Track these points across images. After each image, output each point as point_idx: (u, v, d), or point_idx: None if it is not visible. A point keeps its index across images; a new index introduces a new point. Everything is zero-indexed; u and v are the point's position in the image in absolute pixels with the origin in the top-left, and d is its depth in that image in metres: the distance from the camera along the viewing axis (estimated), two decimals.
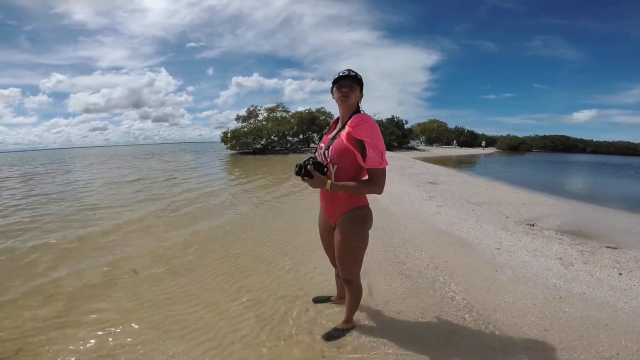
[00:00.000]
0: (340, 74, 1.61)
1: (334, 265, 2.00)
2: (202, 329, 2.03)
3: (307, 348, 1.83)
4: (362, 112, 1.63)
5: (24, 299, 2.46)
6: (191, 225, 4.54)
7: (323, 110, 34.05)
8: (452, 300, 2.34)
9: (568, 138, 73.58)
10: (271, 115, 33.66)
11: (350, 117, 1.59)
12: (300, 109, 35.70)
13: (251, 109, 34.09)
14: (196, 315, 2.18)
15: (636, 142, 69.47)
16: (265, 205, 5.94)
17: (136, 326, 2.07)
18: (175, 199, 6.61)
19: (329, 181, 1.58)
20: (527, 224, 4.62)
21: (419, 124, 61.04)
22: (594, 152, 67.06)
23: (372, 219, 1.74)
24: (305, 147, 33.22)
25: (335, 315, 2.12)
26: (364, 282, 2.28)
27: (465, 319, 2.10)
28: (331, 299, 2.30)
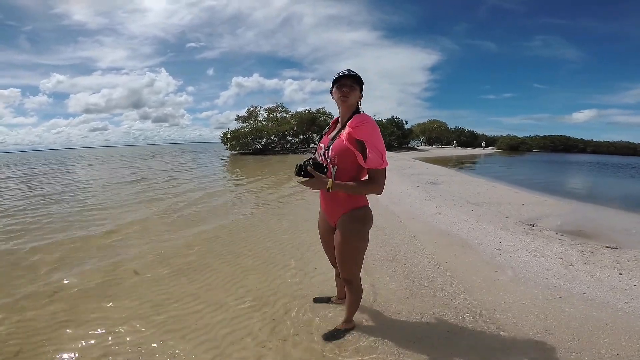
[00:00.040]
0: (340, 73, 1.61)
1: (334, 265, 2.00)
2: (202, 329, 2.03)
3: (307, 348, 1.83)
4: (361, 112, 1.63)
5: (25, 300, 2.46)
6: (193, 226, 4.54)
7: (323, 110, 34.11)
8: (452, 301, 2.34)
9: (568, 138, 73.66)
10: (271, 115, 33.67)
11: (350, 118, 1.59)
12: (300, 109, 35.79)
13: (251, 109, 34.13)
14: (196, 316, 2.18)
15: (636, 142, 69.73)
16: (267, 206, 5.94)
17: (136, 326, 2.07)
18: (177, 200, 6.61)
19: (330, 180, 1.57)
20: (527, 224, 4.62)
21: (419, 124, 61.12)
22: (594, 152, 67.13)
23: (372, 219, 1.74)
24: (305, 148, 33.23)
25: (335, 315, 2.12)
26: (365, 283, 2.28)
27: (465, 319, 2.10)
28: (331, 299, 2.30)
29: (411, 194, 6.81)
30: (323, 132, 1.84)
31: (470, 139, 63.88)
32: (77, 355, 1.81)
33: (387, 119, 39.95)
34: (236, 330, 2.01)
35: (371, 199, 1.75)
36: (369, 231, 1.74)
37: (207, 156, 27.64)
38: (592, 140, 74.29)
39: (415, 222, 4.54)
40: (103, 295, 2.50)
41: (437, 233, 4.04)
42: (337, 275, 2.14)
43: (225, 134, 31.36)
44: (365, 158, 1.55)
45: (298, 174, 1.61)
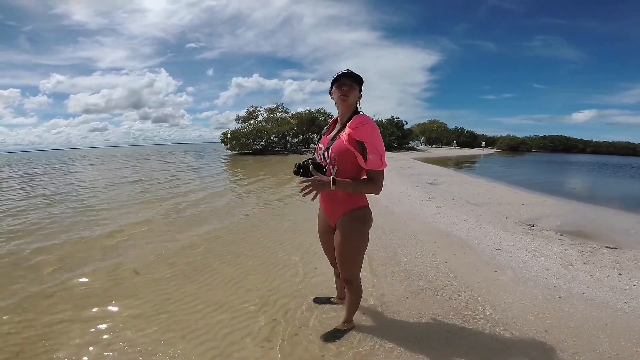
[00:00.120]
0: (340, 73, 1.61)
1: (334, 265, 2.00)
2: (202, 329, 2.03)
3: (306, 348, 1.83)
4: (361, 112, 1.64)
5: (26, 300, 2.46)
6: (194, 227, 4.53)
7: (323, 110, 34.10)
8: (452, 301, 2.34)
9: (568, 138, 73.69)
10: (271, 115, 33.67)
11: (350, 118, 1.59)
12: (300, 109, 35.78)
13: (251, 109, 34.13)
14: (196, 316, 2.19)
15: (636, 142, 69.70)
16: (268, 206, 5.93)
17: (137, 326, 2.07)
18: (179, 200, 6.60)
19: (332, 177, 1.56)
20: (527, 225, 4.62)
21: (418, 125, 61.15)
22: (593, 152, 67.15)
23: (372, 219, 1.74)
24: (305, 148, 33.23)
25: (335, 315, 2.12)
26: (368, 284, 2.28)
27: (465, 319, 2.10)
28: (331, 299, 2.30)
29: (411, 194, 6.81)
30: (322, 132, 1.84)
31: (470, 139, 63.91)
32: (77, 355, 1.82)
33: (387, 119, 39.96)
34: (236, 330, 2.02)
35: (371, 199, 1.76)
36: (369, 231, 1.74)
37: (207, 156, 27.63)
38: (591, 140, 74.45)
39: (415, 223, 4.54)
40: (104, 296, 2.50)
41: (436, 233, 4.04)
42: (336, 276, 2.14)
43: (225, 134, 31.36)
44: (365, 159, 1.56)
45: (297, 173, 1.63)
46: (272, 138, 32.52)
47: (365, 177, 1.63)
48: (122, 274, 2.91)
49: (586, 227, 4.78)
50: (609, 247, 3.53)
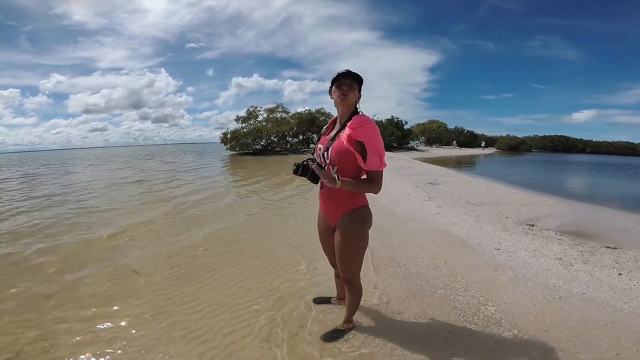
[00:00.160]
0: (340, 72, 1.61)
1: (334, 265, 2.00)
2: (202, 329, 2.04)
3: (306, 349, 1.83)
4: (360, 113, 1.64)
5: (27, 300, 2.46)
6: (195, 227, 4.53)
7: (323, 110, 34.06)
8: (452, 301, 2.34)
9: (567, 138, 73.74)
10: (271, 116, 33.67)
11: (350, 118, 1.59)
12: (300, 109, 35.77)
13: (251, 109, 34.13)
14: (197, 316, 2.19)
15: (636, 142, 69.75)
16: (269, 207, 5.93)
17: (137, 327, 2.08)
18: (180, 201, 6.59)
19: (335, 175, 1.54)
20: (527, 224, 4.62)
21: (418, 125, 61.17)
22: (593, 152, 67.17)
23: (371, 219, 1.74)
24: (305, 148, 33.23)
25: (335, 315, 2.12)
26: (369, 284, 2.27)
27: (465, 319, 2.11)
28: (331, 299, 2.30)
29: (411, 194, 6.81)
30: (321, 132, 1.84)
31: (469, 139, 63.92)
32: (77, 355, 1.82)
33: (387, 119, 39.96)
34: (236, 330, 2.02)
35: (371, 199, 1.76)
36: (369, 231, 1.74)
37: (208, 157, 27.65)
38: (591, 140, 74.49)
39: (414, 223, 4.54)
40: (104, 296, 2.51)
41: (436, 233, 4.04)
42: (336, 276, 2.14)
43: (225, 134, 31.37)
44: (365, 159, 1.56)
45: (296, 172, 1.65)
46: (272, 138, 32.54)
47: (364, 177, 1.64)
48: (123, 275, 2.91)
49: (586, 227, 4.78)
50: (609, 247, 3.53)
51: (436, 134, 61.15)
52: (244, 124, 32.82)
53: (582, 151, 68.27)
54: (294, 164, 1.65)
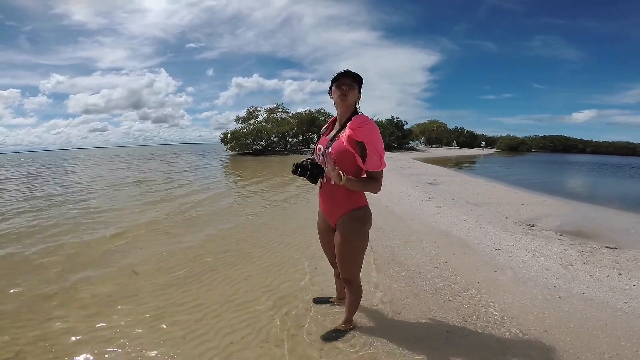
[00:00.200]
0: (340, 72, 1.61)
1: (334, 265, 2.00)
2: (202, 329, 2.04)
3: (306, 349, 1.83)
4: (360, 113, 1.64)
5: (27, 301, 2.46)
6: (196, 228, 4.53)
7: (323, 111, 34.07)
8: (452, 301, 2.34)
9: (567, 138, 73.75)
10: (271, 116, 33.69)
11: (349, 118, 1.60)
12: (300, 109, 35.81)
13: (251, 109, 34.15)
14: (197, 316, 2.19)
15: (635, 142, 69.75)
16: (270, 207, 5.92)
17: (137, 327, 2.08)
18: (182, 201, 6.57)
19: (340, 172, 1.52)
20: (527, 225, 4.62)
21: (418, 125, 61.15)
22: (593, 152, 67.18)
23: (371, 219, 1.74)
24: (305, 148, 33.24)
25: (335, 316, 2.12)
26: (370, 284, 2.26)
27: (464, 319, 2.11)
28: (331, 299, 2.30)
29: (411, 194, 6.81)
30: (320, 132, 1.84)
31: (469, 140, 63.92)
32: (77, 355, 1.82)
33: (387, 120, 39.99)
34: (236, 330, 2.02)
35: (371, 199, 1.76)
36: (369, 231, 1.74)
37: (208, 157, 27.65)
38: (591, 140, 74.52)
39: (414, 223, 4.54)
40: (105, 296, 2.51)
41: (436, 233, 4.04)
42: (336, 276, 2.14)
43: (224, 134, 31.38)
44: (365, 159, 1.56)
45: (295, 172, 1.67)
46: (272, 138, 32.54)
47: (364, 176, 1.64)
48: (123, 275, 2.91)
49: (586, 227, 4.78)
50: (609, 247, 3.53)
51: (436, 134, 61.14)
52: (244, 124, 32.83)
53: (582, 151, 68.28)
54: (293, 164, 1.67)
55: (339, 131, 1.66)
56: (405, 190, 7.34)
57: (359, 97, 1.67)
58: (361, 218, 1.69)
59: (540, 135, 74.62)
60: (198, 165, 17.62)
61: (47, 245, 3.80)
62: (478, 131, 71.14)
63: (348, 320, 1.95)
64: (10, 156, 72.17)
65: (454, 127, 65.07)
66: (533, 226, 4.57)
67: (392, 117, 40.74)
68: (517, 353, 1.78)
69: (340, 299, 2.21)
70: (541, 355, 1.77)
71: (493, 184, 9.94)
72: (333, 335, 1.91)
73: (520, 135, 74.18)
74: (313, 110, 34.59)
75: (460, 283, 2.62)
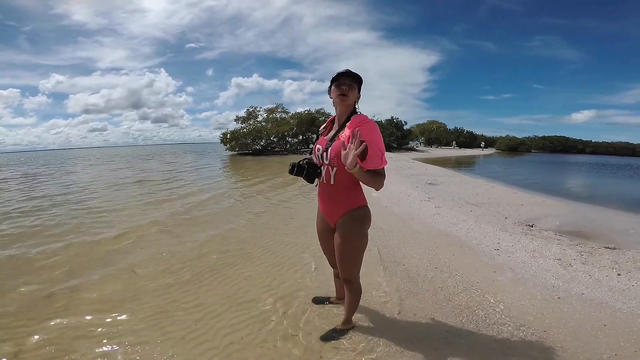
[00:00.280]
0: (339, 72, 1.62)
1: (333, 265, 2.01)
2: (202, 329, 2.04)
3: (306, 349, 1.83)
4: (359, 113, 1.64)
5: (27, 301, 2.46)
6: (197, 228, 4.52)
7: (322, 111, 34.07)
8: (451, 301, 2.35)
9: (567, 139, 73.78)
10: (270, 116, 33.68)
11: (348, 118, 1.60)
12: (299, 109, 35.81)
13: (250, 109, 34.13)
14: (196, 316, 2.19)
15: (635, 143, 69.76)
16: (270, 207, 5.92)
17: (136, 327, 2.08)
18: (183, 202, 6.56)
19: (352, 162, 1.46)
20: (526, 225, 4.63)
21: (418, 125, 61.10)
22: (592, 152, 67.22)
23: (371, 219, 1.75)
24: (305, 148, 33.23)
25: (334, 315, 2.12)
26: (372, 283, 2.26)
27: (464, 319, 2.11)
28: (330, 299, 2.30)
29: (410, 194, 6.82)
30: (319, 132, 1.84)
31: (469, 140, 63.86)
32: (77, 355, 1.82)
33: (387, 120, 39.95)
34: (235, 330, 2.02)
35: (370, 199, 1.76)
36: (368, 231, 1.75)
37: (208, 157, 27.65)
38: (591, 140, 74.58)
39: (414, 223, 4.54)
40: (105, 296, 2.51)
41: (436, 233, 4.04)
42: (336, 276, 2.15)
43: (224, 134, 31.38)
44: (365, 158, 1.56)
45: (291, 172, 1.69)
46: (271, 138, 32.55)
47: None
48: (124, 275, 2.91)
49: (585, 228, 4.79)
50: (608, 248, 3.54)
51: (436, 135, 61.10)
52: (244, 124, 32.82)
53: (582, 152, 68.31)
54: (290, 164, 1.68)
55: (338, 131, 1.66)
56: (405, 190, 7.34)
57: (359, 98, 1.68)
58: (361, 218, 1.70)
59: (540, 135, 74.72)
60: (198, 165, 17.61)
61: (47, 246, 3.79)
62: (478, 131, 71.20)
63: (347, 320, 1.95)
64: (9, 156, 72.08)
65: (453, 127, 65.07)
66: (532, 226, 4.57)
67: (392, 117, 40.73)
68: (516, 353, 1.79)
69: (339, 299, 2.21)
70: (540, 355, 1.77)
71: (492, 184, 9.94)
72: (332, 335, 1.91)
73: (519, 135, 74.25)
74: (313, 110, 34.63)
75: (459, 283, 2.63)
